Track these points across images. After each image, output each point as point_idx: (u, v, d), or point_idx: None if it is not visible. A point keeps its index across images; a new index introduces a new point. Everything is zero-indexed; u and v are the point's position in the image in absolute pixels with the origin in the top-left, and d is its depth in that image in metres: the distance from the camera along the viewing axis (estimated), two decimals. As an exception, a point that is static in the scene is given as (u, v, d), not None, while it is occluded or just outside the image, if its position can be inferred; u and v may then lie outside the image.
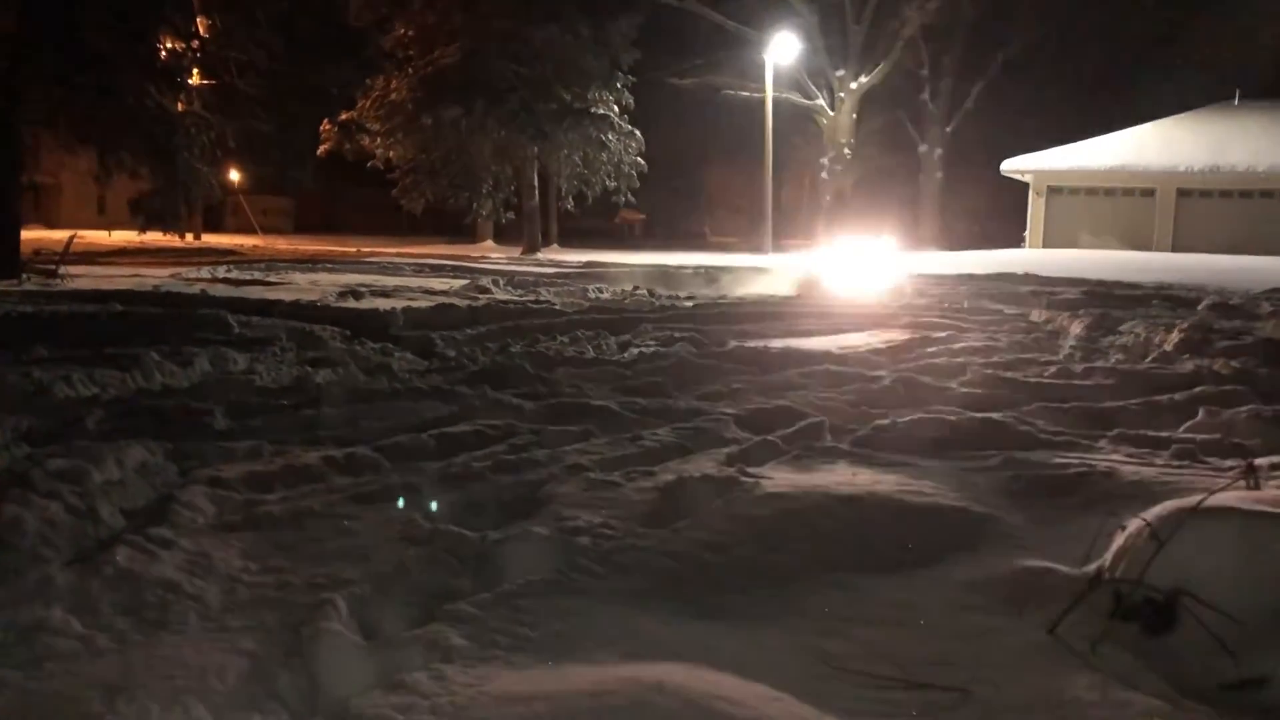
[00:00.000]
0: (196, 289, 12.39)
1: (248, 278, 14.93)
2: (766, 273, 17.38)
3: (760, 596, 2.67)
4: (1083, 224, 33.36)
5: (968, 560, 2.89)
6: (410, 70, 29.81)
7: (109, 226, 33.29)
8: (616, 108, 31.08)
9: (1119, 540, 2.57)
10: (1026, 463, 3.92)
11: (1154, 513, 2.53)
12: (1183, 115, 35.06)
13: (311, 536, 3.16)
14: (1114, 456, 4.14)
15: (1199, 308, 11.51)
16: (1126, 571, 2.39)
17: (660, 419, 4.98)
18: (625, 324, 9.64)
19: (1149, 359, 7.35)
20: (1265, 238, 29.56)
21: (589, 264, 22.44)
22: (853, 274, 13.48)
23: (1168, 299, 12.87)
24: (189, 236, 30.12)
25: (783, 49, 31.56)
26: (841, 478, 3.61)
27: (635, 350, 7.91)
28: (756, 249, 32.98)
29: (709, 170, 59.47)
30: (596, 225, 51.87)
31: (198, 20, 16.12)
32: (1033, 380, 6.34)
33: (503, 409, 5.14)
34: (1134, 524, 2.55)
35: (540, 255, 29.47)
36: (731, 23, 36.69)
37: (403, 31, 30.10)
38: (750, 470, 3.71)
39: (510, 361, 7.02)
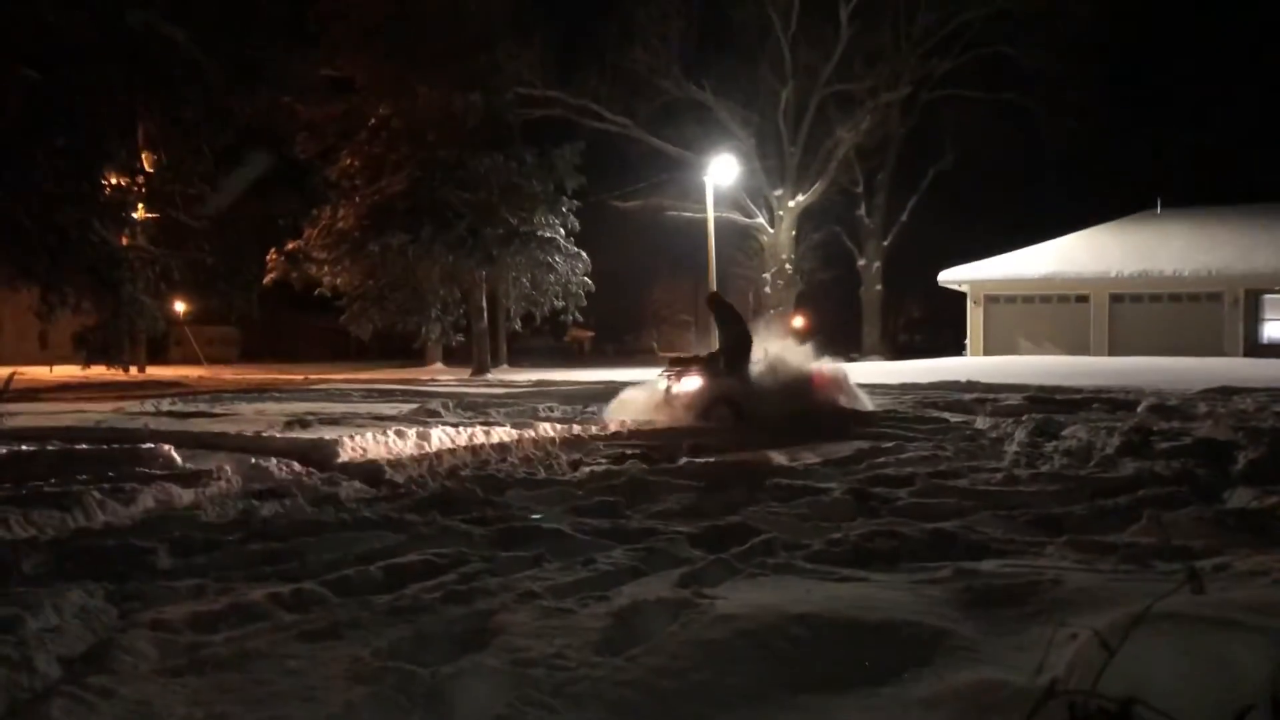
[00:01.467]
0: (139, 423, 12.17)
1: (192, 410, 14.72)
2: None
3: (718, 722, 2.63)
4: (1021, 330, 34.21)
5: (924, 675, 2.89)
6: (357, 199, 30.14)
7: (51, 362, 32.76)
8: (563, 230, 31.58)
9: (1070, 650, 2.59)
10: (977, 573, 3.95)
11: (1104, 621, 2.55)
12: (1109, 223, 36.47)
13: (257, 678, 3.07)
14: (1063, 564, 4.19)
15: (1138, 410, 11.77)
16: (1079, 682, 2.40)
17: (613, 540, 4.96)
18: (576, 442, 9.64)
19: (1092, 463, 7.48)
20: (1196, 339, 30.52)
21: (539, 383, 22.49)
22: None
23: (1107, 402, 13.14)
24: (133, 369, 29.75)
25: (722, 171, 32.47)
26: (796, 595, 3.61)
27: (587, 469, 7.89)
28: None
29: (655, 287, 60.45)
30: (545, 344, 52.21)
31: (143, 155, 16.27)
32: (980, 488, 6.42)
33: (453, 536, 5.09)
34: (1084, 633, 2.57)
35: (490, 376, 29.47)
36: (672, 147, 37.78)
37: (349, 161, 30.53)
38: (705, 591, 3.69)
39: (460, 486, 6.96)
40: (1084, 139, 36.97)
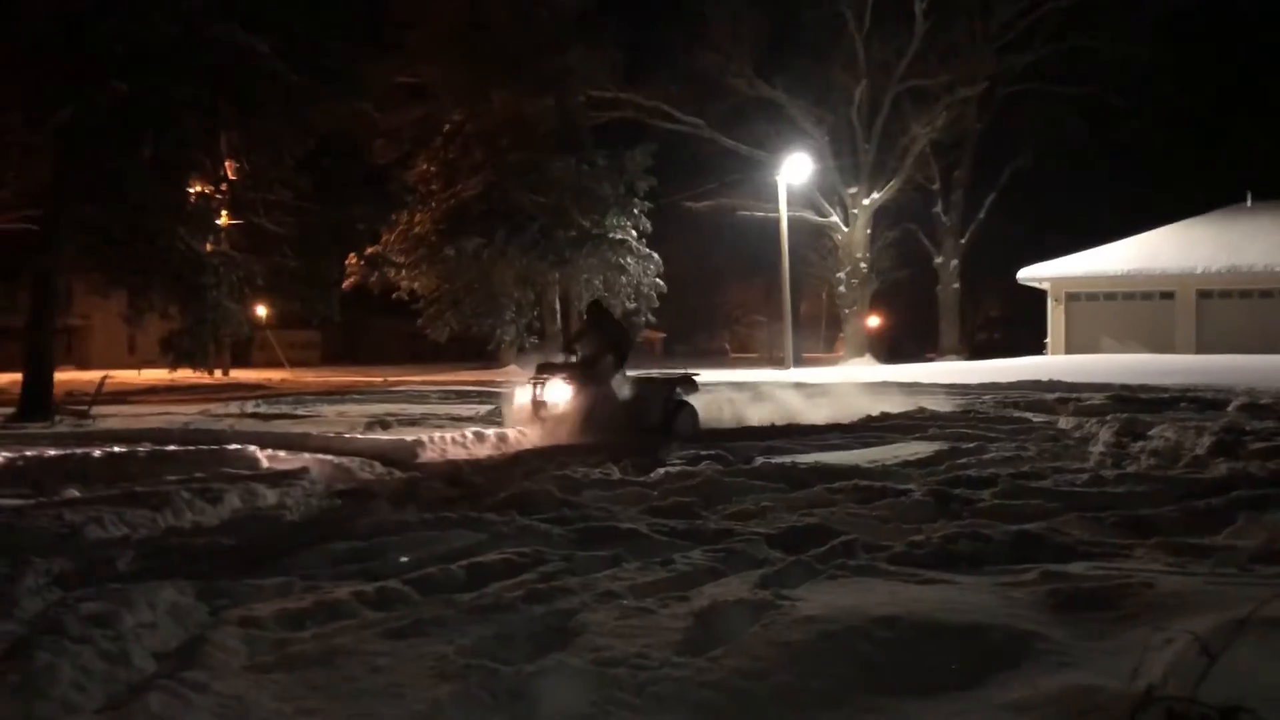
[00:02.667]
0: (225, 425, 12.50)
1: (276, 412, 15.07)
2: (794, 388, 17.23)
3: (802, 725, 2.60)
4: (1104, 328, 33.38)
5: (1012, 679, 2.82)
6: (433, 204, 30.64)
7: (139, 365, 33.80)
8: (634, 232, 31.71)
9: (1167, 655, 2.51)
10: (1065, 575, 3.85)
11: (1203, 625, 2.47)
12: (1197, 218, 35.41)
13: (344, 675, 3.12)
14: (1154, 566, 4.07)
15: (1229, 409, 11.40)
16: (1178, 688, 2.33)
17: (691, 540, 4.94)
18: (650, 443, 9.63)
19: (1182, 463, 7.27)
20: (1289, 336, 29.47)
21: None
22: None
23: (1195, 401, 12.77)
24: (218, 373, 30.55)
25: (795, 170, 32.28)
26: (879, 597, 3.56)
27: (662, 470, 7.88)
28: (778, 363, 33.06)
29: (727, 288, 60.31)
30: (618, 346, 52.31)
31: (226, 164, 16.66)
32: (1065, 489, 6.28)
33: (532, 535, 5.12)
34: (1183, 637, 2.49)
35: (563, 378, 29.67)
36: (744, 147, 37.61)
37: (425, 167, 31.05)
38: (785, 593, 3.66)
39: (538, 486, 7.00)
40: (1169, 131, 35.99)
